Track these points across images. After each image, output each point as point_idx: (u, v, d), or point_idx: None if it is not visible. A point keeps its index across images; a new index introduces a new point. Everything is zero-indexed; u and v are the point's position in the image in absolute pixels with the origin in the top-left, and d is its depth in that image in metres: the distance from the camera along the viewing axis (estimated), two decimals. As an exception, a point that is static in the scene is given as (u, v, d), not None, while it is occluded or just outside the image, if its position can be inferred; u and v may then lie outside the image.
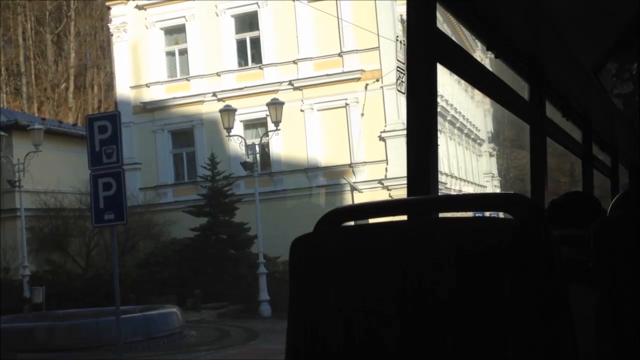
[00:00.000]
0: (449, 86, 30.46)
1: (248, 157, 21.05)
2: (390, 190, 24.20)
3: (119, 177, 9.39)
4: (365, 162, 25.00)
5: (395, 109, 24.50)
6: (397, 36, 23.04)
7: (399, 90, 22.81)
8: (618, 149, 5.61)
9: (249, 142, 22.40)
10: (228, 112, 20.44)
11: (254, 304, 20.22)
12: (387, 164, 24.62)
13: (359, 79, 25.16)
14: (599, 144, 5.19)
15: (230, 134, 20.73)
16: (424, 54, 1.86)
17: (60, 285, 21.52)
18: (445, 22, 23.56)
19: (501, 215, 1.20)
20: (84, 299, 20.30)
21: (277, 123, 20.27)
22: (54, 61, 48.19)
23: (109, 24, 29.12)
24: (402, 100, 23.53)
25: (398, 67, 21.80)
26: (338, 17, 25.01)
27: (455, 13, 2.24)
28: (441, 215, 1.35)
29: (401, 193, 23.22)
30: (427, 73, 1.87)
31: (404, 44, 20.41)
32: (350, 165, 25.07)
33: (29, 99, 47.34)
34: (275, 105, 20.25)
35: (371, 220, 1.27)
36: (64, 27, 48.34)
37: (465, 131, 36.14)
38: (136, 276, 21.60)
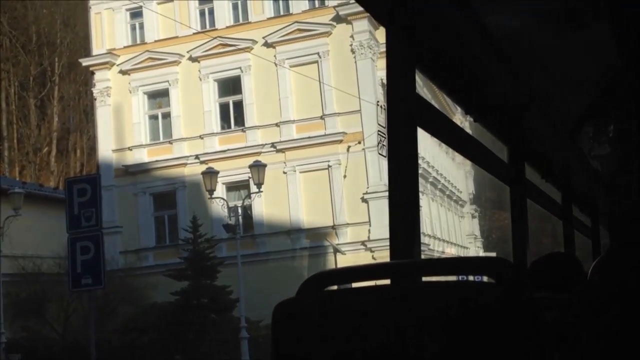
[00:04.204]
0: (430, 148, 30.79)
1: (230, 220, 20.95)
2: (373, 252, 24.11)
3: (97, 241, 9.26)
4: (348, 224, 24.97)
5: (377, 171, 24.65)
6: (378, 101, 23.47)
7: (380, 154, 23.06)
8: (598, 209, 5.62)
9: (231, 204, 22.33)
10: (210, 174, 20.46)
11: (235, 369, 19.76)
12: (370, 225, 24.60)
13: (341, 141, 25.39)
14: (579, 205, 5.21)
15: (212, 196, 20.68)
16: (404, 118, 1.90)
17: (37, 353, 20.93)
18: (425, 87, 24.06)
19: (485, 278, 1.20)
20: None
21: (259, 185, 20.29)
22: (36, 125, 48.14)
23: (92, 89, 29.31)
24: (384, 162, 23.67)
25: (379, 130, 22.17)
26: (320, 81, 25.41)
27: (434, 79, 2.27)
28: (424, 278, 1.35)
29: (385, 255, 23.08)
30: (408, 137, 1.90)
31: (385, 109, 20.72)
32: (333, 226, 25.02)
33: (11, 163, 47.03)
34: (258, 167, 20.31)
35: (354, 284, 1.26)
36: (47, 91, 48.52)
37: (447, 193, 36.35)
38: (115, 342, 21.06)
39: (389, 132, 1.93)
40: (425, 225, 29.20)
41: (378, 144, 22.89)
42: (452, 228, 36.39)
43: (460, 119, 25.96)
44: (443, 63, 2.26)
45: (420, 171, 28.10)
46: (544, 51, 2.71)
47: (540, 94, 2.98)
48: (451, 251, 32.71)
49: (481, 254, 38.29)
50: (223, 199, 22.10)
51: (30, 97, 47.98)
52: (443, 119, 2.27)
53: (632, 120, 3.45)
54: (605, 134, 3.80)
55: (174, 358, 20.18)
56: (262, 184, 20.48)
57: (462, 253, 34.99)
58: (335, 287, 1.28)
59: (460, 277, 1.58)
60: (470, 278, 1.79)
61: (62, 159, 48.91)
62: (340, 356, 1.19)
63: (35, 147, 47.68)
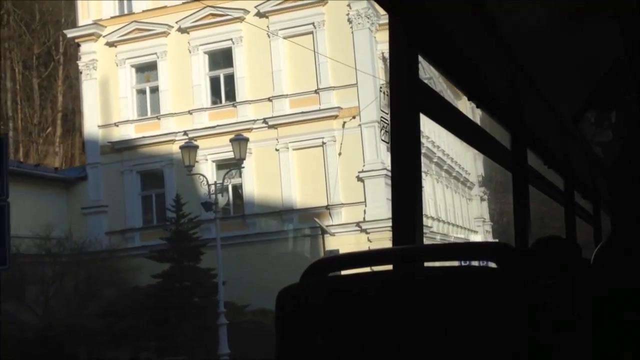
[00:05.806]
0: (436, 127, 29.24)
1: (210, 198, 19.65)
2: (369, 233, 22.75)
3: (2, 213, 7.96)
4: (342, 204, 23.57)
5: (374, 148, 23.20)
6: (380, 86, 22.66)
7: (383, 140, 22.39)
8: (600, 196, 5.71)
9: (215, 181, 21.00)
10: (188, 149, 19.16)
11: (213, 357, 18.49)
12: (366, 205, 23.19)
13: (336, 116, 23.95)
14: (581, 192, 5.36)
15: (192, 172, 19.41)
16: (406, 104, 1.94)
17: (12, 338, 19.85)
18: (431, 66, 22.59)
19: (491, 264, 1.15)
20: (35, 352, 18.79)
21: (240, 160, 18.93)
22: (39, 105, 47.72)
23: (77, 61, 28.06)
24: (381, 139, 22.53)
25: (382, 117, 21.92)
26: (315, 52, 23.94)
27: (437, 65, 2.31)
28: (427, 264, 1.33)
29: (380, 237, 21.76)
30: (410, 122, 1.94)
31: (387, 94, 20.18)
32: (327, 207, 23.63)
33: (15, 143, 46.52)
34: (239, 142, 18.87)
35: (357, 270, 1.25)
36: (51, 71, 48.01)
37: (454, 174, 34.78)
38: (91, 327, 19.93)
39: (392, 119, 1.96)
40: (429, 207, 27.74)
41: (381, 129, 22.21)
42: (458, 210, 34.85)
43: (468, 103, 24.48)
44: (445, 49, 2.28)
45: (423, 150, 26.68)
46: (546, 38, 2.66)
47: (543, 81, 3.00)
48: (456, 234, 31.22)
49: (489, 238, 36.93)
50: (202, 175, 20.77)
51: (33, 76, 47.37)
52: (446, 105, 2.33)
53: (634, 107, 3.38)
54: (608, 120, 3.76)
55: (149, 345, 19.00)
56: (244, 159, 19.13)
57: (468, 236, 33.53)
58: (337, 273, 1.25)
59: (461, 263, 1.53)
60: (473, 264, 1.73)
61: (68, 139, 48.33)
62: (347, 342, 1.19)
63: (39, 127, 47.15)
